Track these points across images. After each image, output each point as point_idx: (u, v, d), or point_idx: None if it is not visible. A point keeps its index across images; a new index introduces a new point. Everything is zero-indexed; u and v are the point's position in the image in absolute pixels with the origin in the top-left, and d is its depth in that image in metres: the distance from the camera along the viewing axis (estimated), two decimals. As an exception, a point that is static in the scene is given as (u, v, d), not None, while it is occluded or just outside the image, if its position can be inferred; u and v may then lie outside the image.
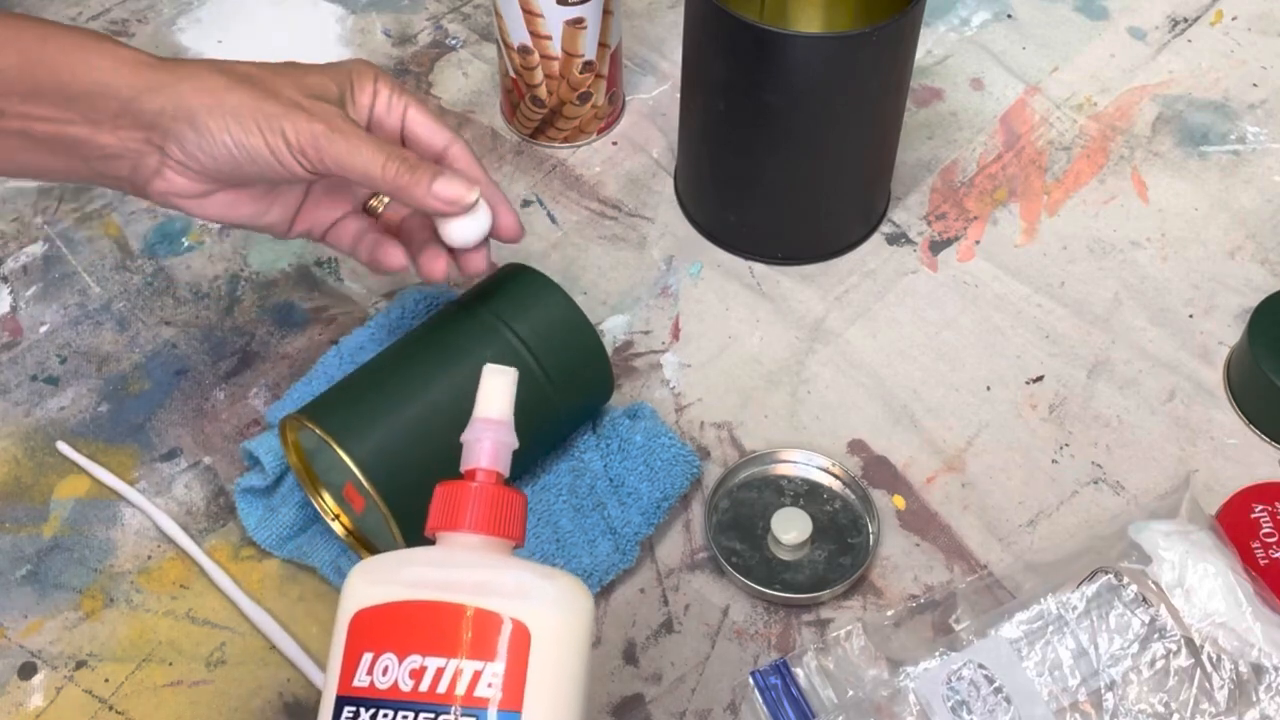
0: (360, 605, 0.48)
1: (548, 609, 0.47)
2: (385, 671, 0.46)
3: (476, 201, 0.63)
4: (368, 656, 0.47)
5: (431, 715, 0.45)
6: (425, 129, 0.66)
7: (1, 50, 0.60)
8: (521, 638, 0.46)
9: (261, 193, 0.65)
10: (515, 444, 0.52)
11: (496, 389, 0.52)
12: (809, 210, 0.84)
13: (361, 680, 0.47)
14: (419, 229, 0.68)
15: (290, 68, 0.64)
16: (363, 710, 0.46)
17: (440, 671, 0.46)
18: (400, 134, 0.67)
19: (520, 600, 0.47)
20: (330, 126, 0.60)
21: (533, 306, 0.69)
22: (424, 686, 0.46)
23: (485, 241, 0.66)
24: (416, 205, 0.63)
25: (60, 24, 0.63)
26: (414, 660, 0.46)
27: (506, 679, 0.45)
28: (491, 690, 0.45)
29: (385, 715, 0.46)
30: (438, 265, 0.66)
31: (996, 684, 0.63)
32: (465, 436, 0.51)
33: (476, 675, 0.45)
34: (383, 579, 0.49)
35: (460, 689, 0.45)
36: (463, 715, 0.45)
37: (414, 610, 0.47)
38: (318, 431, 0.64)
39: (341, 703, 0.47)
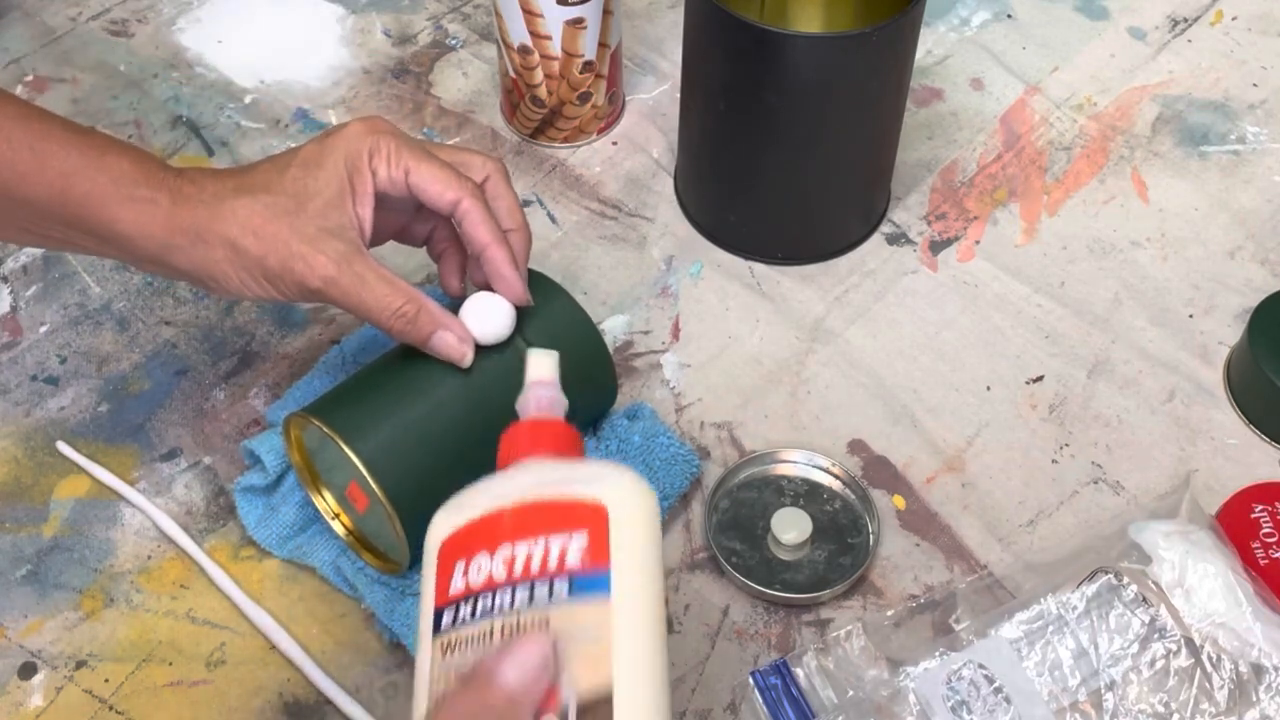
0: (445, 535, 0.50)
1: (620, 488, 0.49)
2: (479, 570, 0.48)
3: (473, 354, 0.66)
4: (460, 564, 0.49)
5: (527, 591, 0.47)
6: (428, 190, 0.65)
7: (33, 183, 0.63)
8: (599, 513, 0.48)
9: None
10: (565, 403, 0.55)
11: (542, 362, 0.56)
12: (809, 210, 0.84)
13: (457, 585, 0.48)
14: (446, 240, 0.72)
15: (299, 184, 0.63)
16: (462, 605, 0.48)
17: (530, 555, 0.47)
18: (409, 193, 0.66)
19: (595, 484, 0.49)
20: (340, 272, 0.63)
21: (540, 310, 0.69)
22: (518, 570, 0.47)
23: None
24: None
25: (75, 144, 0.63)
26: (505, 551, 0.48)
27: (591, 547, 0.47)
28: (579, 557, 0.47)
29: (484, 602, 0.47)
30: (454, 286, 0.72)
31: (996, 684, 0.63)
32: (520, 402, 0.55)
33: (564, 549, 0.47)
34: (463, 507, 0.51)
35: (552, 563, 0.47)
36: (556, 582, 0.47)
37: (499, 517, 0.49)
38: (324, 429, 0.64)
39: (440, 612, 0.49)
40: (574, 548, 0.47)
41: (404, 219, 0.70)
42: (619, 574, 0.46)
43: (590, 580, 0.46)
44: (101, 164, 0.63)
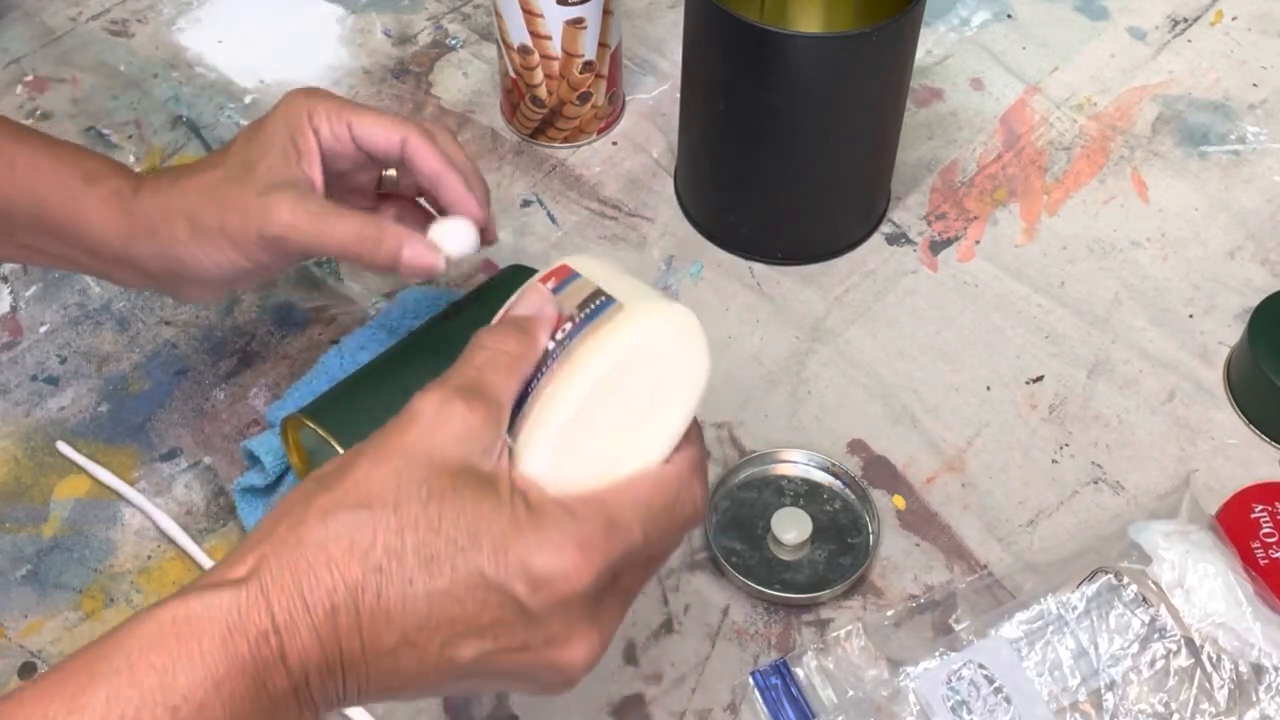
0: None
1: (580, 254, 0.55)
2: None
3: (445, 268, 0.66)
4: None
5: None
6: (373, 135, 0.66)
7: (3, 185, 0.65)
8: (565, 267, 0.54)
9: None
10: None
11: None
12: (809, 210, 0.84)
13: None
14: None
15: (244, 154, 0.65)
16: None
17: None
18: (356, 149, 0.66)
19: (559, 260, 0.55)
20: (296, 216, 0.63)
21: None
22: None
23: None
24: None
25: (48, 150, 0.66)
26: None
27: (560, 274, 0.53)
28: (554, 283, 0.53)
29: None
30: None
31: (996, 684, 0.63)
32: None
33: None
34: None
35: None
36: None
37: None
38: (319, 431, 0.65)
39: None
40: (550, 282, 0.53)
41: (365, 205, 0.70)
42: (585, 271, 0.53)
43: (563, 282, 0.53)
44: (76, 162, 0.66)
